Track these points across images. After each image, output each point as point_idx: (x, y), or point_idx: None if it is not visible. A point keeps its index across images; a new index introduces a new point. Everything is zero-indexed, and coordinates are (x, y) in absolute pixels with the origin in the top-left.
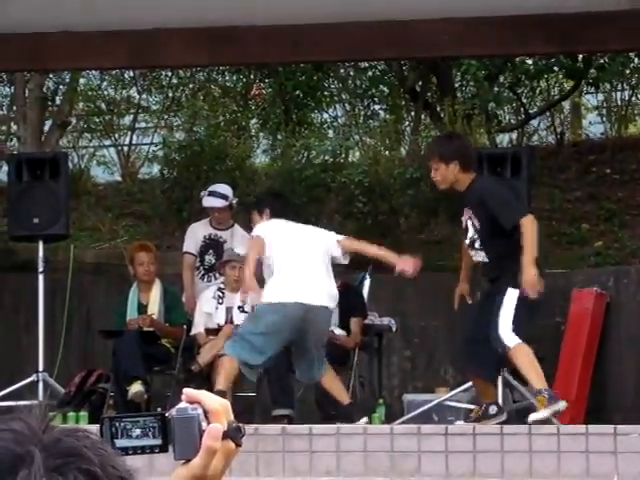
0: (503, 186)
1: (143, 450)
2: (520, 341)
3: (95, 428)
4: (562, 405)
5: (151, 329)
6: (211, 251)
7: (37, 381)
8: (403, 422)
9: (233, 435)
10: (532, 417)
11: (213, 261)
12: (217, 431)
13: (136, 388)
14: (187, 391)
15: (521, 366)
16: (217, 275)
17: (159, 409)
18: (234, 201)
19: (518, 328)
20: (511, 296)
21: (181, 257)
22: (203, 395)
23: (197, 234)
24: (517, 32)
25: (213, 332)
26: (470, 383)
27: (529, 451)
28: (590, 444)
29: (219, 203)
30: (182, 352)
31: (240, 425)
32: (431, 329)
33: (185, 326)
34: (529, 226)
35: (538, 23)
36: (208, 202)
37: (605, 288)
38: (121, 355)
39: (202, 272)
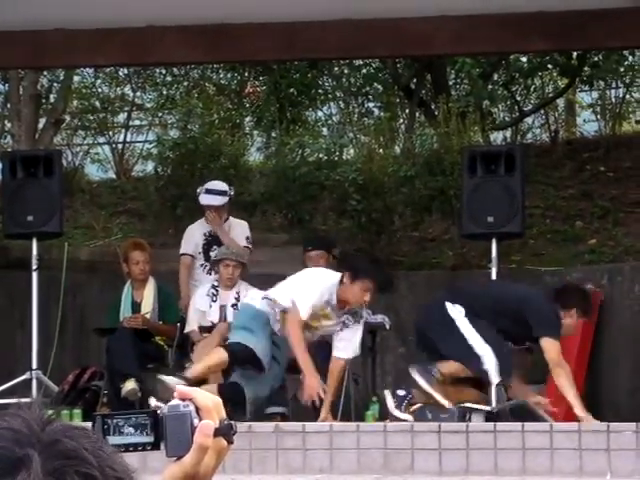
0: None
1: (135, 447)
2: None
3: (90, 426)
4: None
5: (144, 327)
6: (215, 247)
7: (31, 379)
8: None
9: (225, 432)
10: None
11: None
12: (209, 428)
13: (130, 386)
14: (179, 388)
15: None
16: None
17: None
18: (232, 193)
19: None
20: None
21: (178, 257)
22: (195, 392)
23: (196, 235)
24: (513, 30)
25: (207, 330)
26: None
27: (522, 448)
28: (583, 441)
29: (218, 201)
30: (176, 350)
31: (232, 422)
32: None
33: (179, 324)
34: None
35: (534, 20)
36: (207, 200)
37: (599, 286)
38: (115, 353)
39: (207, 267)
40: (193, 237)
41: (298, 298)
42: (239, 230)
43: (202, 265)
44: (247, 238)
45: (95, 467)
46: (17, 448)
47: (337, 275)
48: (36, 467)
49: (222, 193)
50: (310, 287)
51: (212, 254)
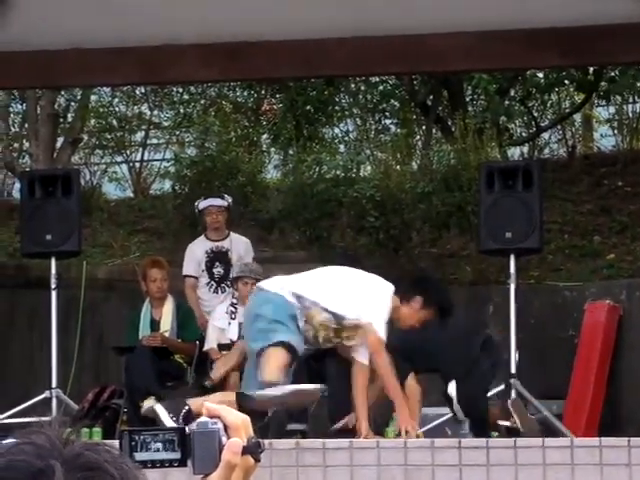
0: None
1: (162, 464)
2: None
3: (110, 443)
4: None
5: (163, 345)
6: (217, 263)
7: (50, 397)
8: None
9: (253, 450)
10: None
11: (222, 272)
12: (237, 446)
13: (149, 404)
14: (208, 405)
15: None
16: (229, 284)
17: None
18: (230, 200)
19: None
20: None
21: (183, 279)
22: (223, 410)
23: (197, 253)
24: (529, 45)
25: (226, 347)
26: None
27: (543, 464)
28: (604, 457)
29: (218, 202)
30: (195, 367)
31: (260, 440)
32: None
33: (198, 342)
34: None
35: (550, 36)
36: (205, 202)
37: (618, 301)
38: (134, 371)
39: (214, 286)
40: (194, 256)
41: (375, 317)
42: (242, 247)
43: (208, 284)
44: (255, 259)
45: (117, 479)
46: (39, 461)
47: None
48: (59, 476)
49: (220, 197)
50: (381, 303)
51: (216, 271)
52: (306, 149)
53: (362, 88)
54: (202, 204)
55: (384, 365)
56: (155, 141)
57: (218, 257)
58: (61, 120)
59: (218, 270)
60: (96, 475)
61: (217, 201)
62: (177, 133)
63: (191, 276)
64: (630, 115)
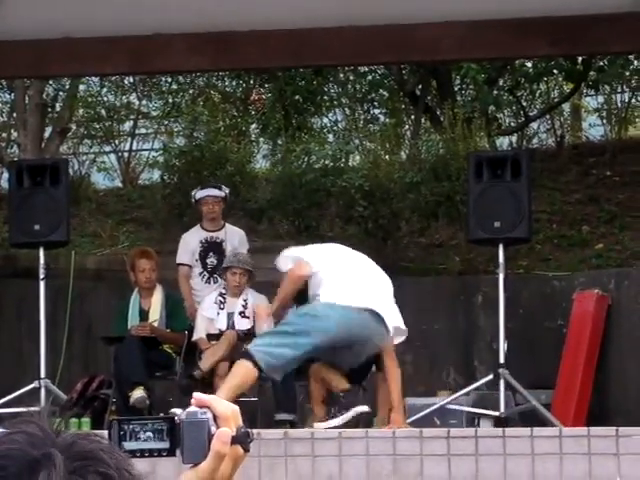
0: None
1: (151, 453)
2: None
3: (99, 433)
4: None
5: (152, 335)
6: (211, 253)
7: (39, 388)
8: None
9: (242, 440)
10: None
11: (215, 263)
12: (226, 435)
13: (138, 394)
14: (197, 395)
15: None
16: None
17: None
18: (227, 191)
19: None
20: None
21: (176, 268)
22: (213, 400)
23: (191, 243)
24: (519, 35)
25: (214, 337)
26: (472, 386)
27: (531, 454)
28: (592, 446)
29: (215, 192)
30: (184, 358)
31: (249, 430)
32: (432, 332)
33: (187, 332)
34: None
35: (540, 26)
36: (202, 193)
37: (606, 290)
38: (123, 361)
39: (206, 276)
40: (188, 245)
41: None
42: (236, 238)
43: (200, 274)
44: (248, 251)
45: (112, 468)
46: (34, 450)
47: None
48: (59, 466)
49: (217, 187)
50: None
51: (209, 261)
52: (295, 139)
53: (351, 78)
54: (199, 194)
55: (396, 371)
56: (144, 131)
57: (212, 247)
58: (49, 110)
59: (211, 260)
60: (92, 464)
61: (214, 191)
62: (166, 123)
63: (185, 264)
64: (619, 105)
